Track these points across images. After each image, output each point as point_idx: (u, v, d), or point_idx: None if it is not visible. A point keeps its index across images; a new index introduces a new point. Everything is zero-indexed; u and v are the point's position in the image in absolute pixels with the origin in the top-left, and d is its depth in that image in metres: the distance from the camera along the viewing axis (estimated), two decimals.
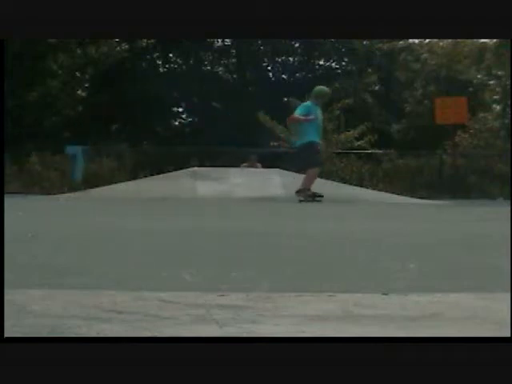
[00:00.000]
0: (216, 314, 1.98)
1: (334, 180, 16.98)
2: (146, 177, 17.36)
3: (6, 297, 2.05)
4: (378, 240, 4.69)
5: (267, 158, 19.19)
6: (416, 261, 3.31)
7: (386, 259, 3.49)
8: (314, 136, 12.55)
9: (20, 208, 8.75)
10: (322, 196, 12.31)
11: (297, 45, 32.60)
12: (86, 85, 27.04)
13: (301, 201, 12.24)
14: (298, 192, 12.41)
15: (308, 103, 12.88)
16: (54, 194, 15.69)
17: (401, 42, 28.12)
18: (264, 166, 17.55)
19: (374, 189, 17.91)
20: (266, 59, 33.30)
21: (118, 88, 28.01)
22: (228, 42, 32.66)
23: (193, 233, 5.15)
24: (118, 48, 27.97)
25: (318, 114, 12.80)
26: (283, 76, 33.40)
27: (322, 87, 13.44)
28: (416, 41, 27.05)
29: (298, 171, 13.31)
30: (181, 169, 15.46)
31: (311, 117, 12.44)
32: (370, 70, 30.71)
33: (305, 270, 3.09)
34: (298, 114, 12.65)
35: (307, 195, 12.29)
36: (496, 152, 21.91)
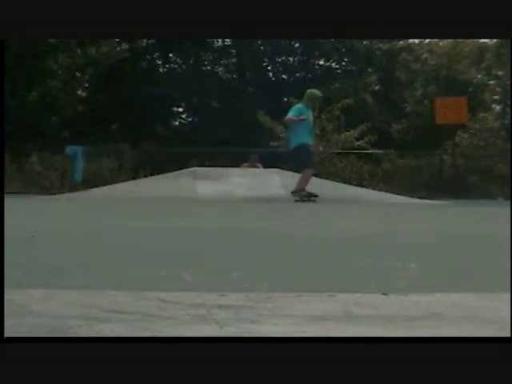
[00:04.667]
0: (216, 314, 1.98)
1: (334, 180, 16.98)
2: (146, 177, 17.36)
3: (6, 297, 2.04)
4: (377, 240, 4.69)
5: (267, 158, 19.19)
6: (416, 261, 3.31)
7: (385, 259, 3.49)
8: (306, 138, 12.84)
9: (20, 208, 8.75)
10: (317, 196, 12.53)
11: (297, 45, 32.60)
12: (86, 85, 27.03)
13: (296, 201, 12.48)
14: (293, 192, 12.73)
15: (299, 105, 13.22)
16: (54, 194, 15.69)
17: (401, 42, 28.13)
18: (264, 166, 17.55)
19: (373, 189, 17.91)
20: (265, 59, 33.29)
21: (118, 88, 28.00)
22: (228, 41, 32.66)
23: (192, 233, 5.15)
24: (118, 48, 27.98)
25: (310, 116, 13.16)
26: (283, 76, 33.41)
27: (314, 90, 13.74)
28: (416, 41, 27.05)
29: (297, 170, 13.52)
30: (181, 169, 15.45)
31: (302, 117, 12.74)
32: (370, 70, 30.71)
33: (304, 269, 3.09)
34: (290, 115, 12.99)
35: (302, 195, 12.57)
36: (496, 152, 21.91)
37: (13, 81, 21.15)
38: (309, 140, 12.99)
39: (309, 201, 12.47)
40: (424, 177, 21.15)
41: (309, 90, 13.59)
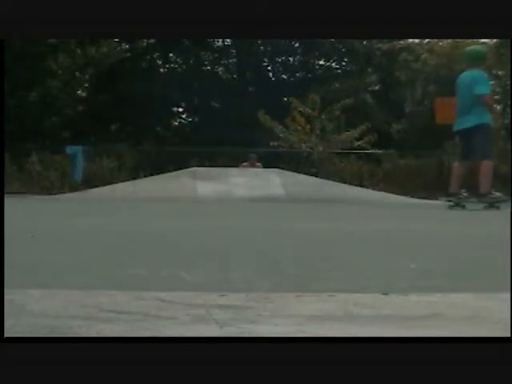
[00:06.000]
0: (216, 313, 1.98)
1: (334, 180, 17.00)
2: (146, 177, 17.37)
3: (6, 297, 2.04)
4: (378, 240, 4.69)
5: (267, 158, 19.21)
6: (416, 261, 3.31)
7: (385, 259, 3.49)
8: (486, 117, 9.44)
9: (20, 208, 8.75)
10: (506, 200, 9.71)
11: (297, 45, 32.63)
12: (86, 85, 27.06)
13: (452, 207, 9.65)
14: (449, 195, 9.77)
15: (480, 73, 9.44)
16: (54, 194, 15.70)
17: (401, 42, 28.14)
18: (264, 166, 17.57)
19: (373, 189, 17.92)
20: (265, 59, 33.32)
21: (118, 88, 28.01)
22: (228, 41, 32.69)
23: (192, 233, 5.15)
24: (118, 48, 28.00)
25: None
26: (283, 76, 33.44)
27: (475, 47, 10.31)
28: (416, 41, 27.06)
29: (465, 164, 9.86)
30: (181, 169, 15.46)
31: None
32: (370, 70, 30.73)
33: (304, 270, 3.09)
34: (487, 91, 9.42)
35: (487, 198, 9.61)
36: (496, 152, 21.91)
37: (13, 81, 21.17)
38: (489, 120, 9.60)
39: (492, 207, 9.40)
40: (424, 177, 21.16)
41: (470, 50, 9.93)
